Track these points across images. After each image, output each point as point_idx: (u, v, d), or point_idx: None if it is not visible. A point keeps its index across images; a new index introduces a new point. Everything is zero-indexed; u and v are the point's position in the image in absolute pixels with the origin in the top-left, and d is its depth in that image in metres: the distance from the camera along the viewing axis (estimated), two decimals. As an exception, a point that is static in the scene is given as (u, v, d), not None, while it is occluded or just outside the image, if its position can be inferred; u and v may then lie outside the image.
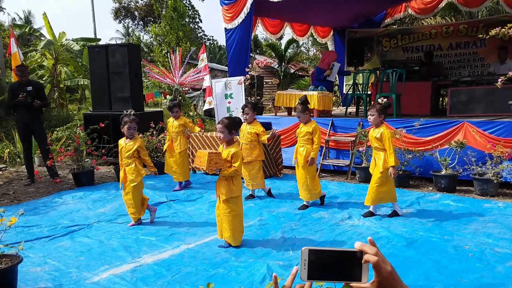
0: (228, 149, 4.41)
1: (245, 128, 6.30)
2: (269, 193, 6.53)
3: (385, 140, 5.18)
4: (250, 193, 6.52)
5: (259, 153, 6.34)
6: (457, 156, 6.55)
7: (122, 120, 5.35)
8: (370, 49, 12.38)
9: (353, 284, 1.14)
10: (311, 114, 8.67)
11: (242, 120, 5.60)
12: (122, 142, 5.42)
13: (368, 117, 5.35)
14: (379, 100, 5.37)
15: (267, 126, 8.35)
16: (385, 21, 12.33)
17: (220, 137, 4.47)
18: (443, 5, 11.00)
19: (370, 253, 1.10)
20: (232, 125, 4.44)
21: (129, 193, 5.28)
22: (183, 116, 7.35)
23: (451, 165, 6.58)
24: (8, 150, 10.03)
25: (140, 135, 8.08)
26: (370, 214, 5.43)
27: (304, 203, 5.90)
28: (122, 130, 5.37)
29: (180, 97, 12.22)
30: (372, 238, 1.17)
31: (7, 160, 9.82)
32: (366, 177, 7.24)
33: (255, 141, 6.32)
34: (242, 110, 6.47)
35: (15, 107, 7.57)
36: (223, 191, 4.36)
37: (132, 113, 5.51)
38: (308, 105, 5.99)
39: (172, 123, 7.11)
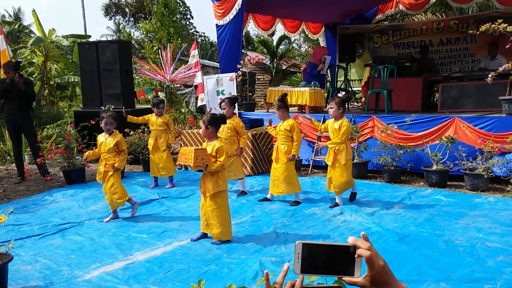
0: (211, 144, 4.44)
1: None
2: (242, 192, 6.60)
3: (341, 129, 5.44)
4: (242, 190, 6.54)
5: (238, 147, 6.43)
6: (448, 151, 6.59)
7: (100, 116, 5.44)
8: (362, 45, 12.41)
9: (346, 278, 1.14)
10: (302, 111, 8.70)
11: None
12: (101, 138, 5.45)
13: (329, 110, 5.57)
14: (339, 94, 5.53)
15: (259, 123, 8.36)
16: (377, 17, 12.35)
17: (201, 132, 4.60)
18: (433, 1, 11.03)
19: (363, 247, 1.11)
20: (210, 121, 4.48)
21: (110, 180, 5.34)
22: (166, 114, 7.26)
23: (442, 161, 6.62)
24: (-2, 148, 9.93)
25: (131, 132, 8.08)
26: (336, 205, 5.68)
27: (296, 199, 5.93)
28: (100, 125, 5.45)
29: (164, 94, 12.15)
30: (365, 233, 1.17)
31: (-3, 158, 9.73)
32: (358, 173, 7.28)
33: (234, 136, 6.35)
34: (219, 105, 6.47)
35: (7, 90, 7.35)
36: (210, 186, 4.38)
37: (111, 108, 5.60)
38: (286, 103, 6.04)
39: (155, 121, 6.97)
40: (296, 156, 5.93)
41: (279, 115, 5.85)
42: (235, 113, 6.49)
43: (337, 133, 5.49)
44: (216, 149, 4.38)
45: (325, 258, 1.13)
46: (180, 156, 4.36)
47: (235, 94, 8.53)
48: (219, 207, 4.43)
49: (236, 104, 6.78)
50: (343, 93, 5.55)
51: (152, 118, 7.03)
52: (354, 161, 7.42)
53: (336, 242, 1.15)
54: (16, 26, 18.43)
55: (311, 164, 8.09)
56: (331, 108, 5.50)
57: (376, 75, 8.78)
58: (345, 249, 1.13)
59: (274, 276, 1.25)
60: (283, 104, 5.85)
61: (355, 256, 1.13)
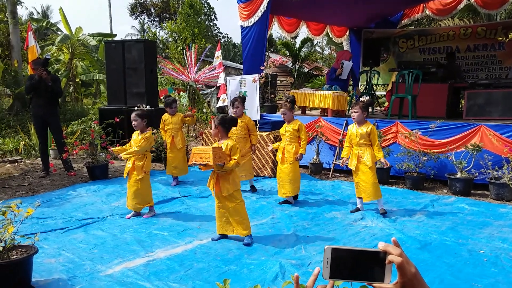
0: (224, 142, 4.50)
1: None
2: (252, 188, 6.84)
3: (374, 135, 5.42)
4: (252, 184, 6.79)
5: (250, 146, 6.67)
6: (473, 159, 6.48)
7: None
8: (387, 49, 12.29)
9: (375, 284, 1.13)
10: (324, 114, 8.65)
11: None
12: (134, 135, 5.56)
13: (352, 115, 5.52)
14: (362, 98, 5.51)
15: (281, 124, 8.33)
16: (402, 21, 12.22)
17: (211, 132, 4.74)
18: (461, 6, 10.86)
19: (394, 253, 1.09)
20: (220, 122, 4.53)
21: (137, 183, 5.38)
22: (179, 113, 7.38)
23: (467, 169, 6.51)
24: (24, 142, 10.15)
25: (154, 131, 8.17)
26: (384, 211, 5.52)
27: (289, 200, 6.02)
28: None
29: (187, 94, 12.24)
30: (396, 239, 1.16)
31: (23, 152, 9.94)
32: (380, 179, 7.17)
33: (246, 134, 6.55)
34: (231, 104, 6.57)
35: (35, 87, 7.50)
36: (228, 186, 4.44)
37: (146, 107, 5.67)
38: (294, 105, 6.14)
39: (170, 120, 7.13)
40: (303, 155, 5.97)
41: (288, 116, 5.92)
42: (244, 112, 6.74)
43: (363, 137, 5.42)
44: (230, 148, 4.43)
45: (355, 264, 1.12)
46: (194, 155, 4.39)
47: (258, 96, 8.56)
48: (238, 204, 4.49)
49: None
50: (367, 97, 5.54)
51: (166, 118, 7.13)
52: (376, 166, 7.35)
53: (366, 248, 1.14)
54: (44, 24, 18.79)
55: (332, 167, 8.04)
56: (355, 112, 5.46)
57: (400, 80, 8.68)
58: (375, 254, 1.12)
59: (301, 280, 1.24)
60: (292, 105, 5.99)
61: (386, 262, 1.12)
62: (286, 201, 6.09)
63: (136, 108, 5.62)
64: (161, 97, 14.92)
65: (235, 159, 4.41)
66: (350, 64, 9.58)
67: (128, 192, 5.48)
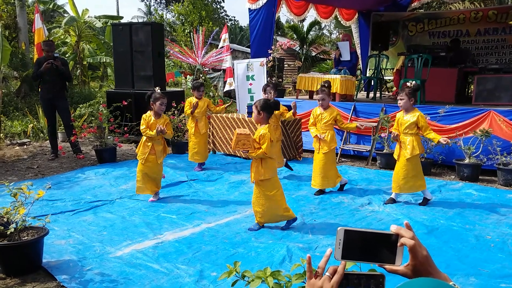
0: (259, 129, 4.37)
1: None
2: (287, 165, 6.87)
3: (423, 122, 5.07)
4: None
5: (281, 132, 6.57)
6: (481, 145, 6.45)
7: (152, 97, 5.38)
8: (396, 33, 12.13)
9: (387, 266, 1.15)
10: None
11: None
12: (152, 118, 5.43)
13: (398, 102, 5.21)
14: (408, 84, 5.25)
15: (288, 109, 8.32)
16: (412, 4, 12.04)
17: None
18: (473, -11, 10.71)
19: (406, 236, 1.11)
20: (262, 107, 4.36)
21: (159, 167, 5.47)
22: (204, 97, 7.30)
23: (475, 154, 6.48)
24: (32, 125, 10.20)
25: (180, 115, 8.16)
26: (392, 201, 5.39)
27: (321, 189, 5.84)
28: (152, 106, 5.39)
29: (202, 77, 12.22)
30: (408, 222, 1.17)
31: (31, 134, 10.00)
32: (387, 163, 7.20)
33: (277, 121, 6.37)
34: (263, 90, 6.42)
35: (41, 76, 7.55)
36: (252, 174, 4.36)
37: (158, 90, 5.59)
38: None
39: (195, 103, 7.03)
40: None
41: (326, 102, 5.68)
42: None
43: (409, 127, 5.10)
44: (259, 136, 4.26)
45: (367, 245, 1.13)
46: (234, 135, 4.36)
47: (266, 80, 8.52)
48: (261, 196, 4.37)
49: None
50: (413, 82, 5.30)
51: (193, 101, 6.99)
52: (384, 151, 7.34)
53: (379, 230, 1.16)
54: (51, 6, 18.70)
55: (339, 152, 8.03)
56: (401, 99, 5.12)
57: (409, 64, 8.60)
58: (387, 237, 1.14)
59: (301, 265, 1.25)
60: (330, 90, 5.77)
61: (398, 244, 1.13)
62: (320, 191, 5.84)
63: (155, 91, 5.48)
64: (168, 81, 14.89)
65: (262, 149, 4.22)
66: (345, 44, 9.48)
67: (146, 177, 5.42)
